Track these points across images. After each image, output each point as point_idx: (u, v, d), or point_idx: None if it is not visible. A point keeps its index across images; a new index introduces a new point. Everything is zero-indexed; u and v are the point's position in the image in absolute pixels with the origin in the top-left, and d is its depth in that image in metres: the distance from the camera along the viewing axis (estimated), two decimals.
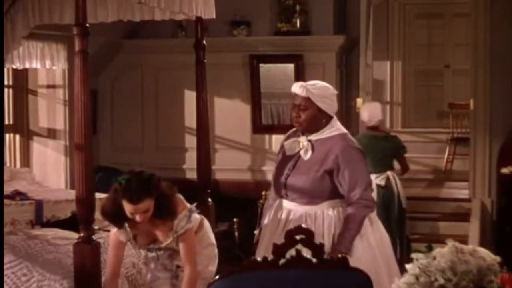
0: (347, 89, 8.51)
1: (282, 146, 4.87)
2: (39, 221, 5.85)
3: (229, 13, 8.15)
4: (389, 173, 7.32)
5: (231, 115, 8.38)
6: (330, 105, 4.69)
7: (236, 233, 7.66)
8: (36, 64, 7.26)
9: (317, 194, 4.64)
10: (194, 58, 6.09)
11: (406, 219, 7.45)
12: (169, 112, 8.56)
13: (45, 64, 7.35)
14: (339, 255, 4.13)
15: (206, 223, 4.95)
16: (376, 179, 7.11)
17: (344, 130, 4.79)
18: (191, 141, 7.88)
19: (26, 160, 7.93)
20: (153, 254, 4.70)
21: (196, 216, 4.73)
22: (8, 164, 7.71)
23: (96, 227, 5.02)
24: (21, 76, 7.83)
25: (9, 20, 5.73)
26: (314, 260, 3.26)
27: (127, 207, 4.35)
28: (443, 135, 10.75)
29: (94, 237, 4.78)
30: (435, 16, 12.08)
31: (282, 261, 3.24)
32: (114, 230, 4.58)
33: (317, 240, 3.45)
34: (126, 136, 8.68)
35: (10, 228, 5.61)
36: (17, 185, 6.59)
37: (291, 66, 8.20)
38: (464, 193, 8.79)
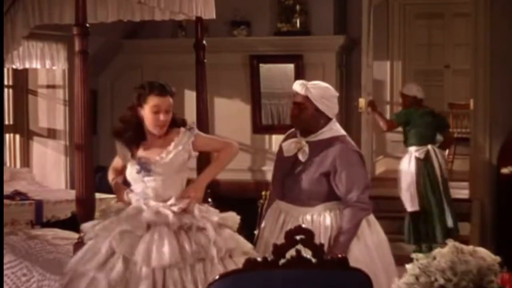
0: (347, 89, 8.50)
1: (280, 147, 4.87)
2: (39, 221, 5.86)
3: (229, 13, 8.15)
4: (429, 147, 7.79)
5: (231, 115, 8.38)
6: (329, 106, 4.69)
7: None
8: (36, 64, 7.27)
9: (314, 196, 4.64)
10: (194, 58, 6.08)
11: (449, 187, 7.98)
12: None
13: (45, 64, 7.35)
14: (339, 255, 4.15)
15: None
16: (416, 152, 7.76)
17: (343, 132, 4.78)
18: None
19: (26, 160, 7.93)
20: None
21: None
22: (8, 164, 7.71)
23: None
24: (21, 76, 7.84)
25: (9, 20, 5.73)
26: (314, 260, 3.26)
27: (155, 102, 4.38)
28: None
29: None
30: (435, 16, 12.09)
31: (282, 261, 3.24)
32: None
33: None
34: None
35: (10, 228, 5.62)
36: (17, 185, 6.60)
37: (291, 66, 8.20)
38: (464, 193, 8.79)
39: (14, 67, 7.11)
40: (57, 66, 7.51)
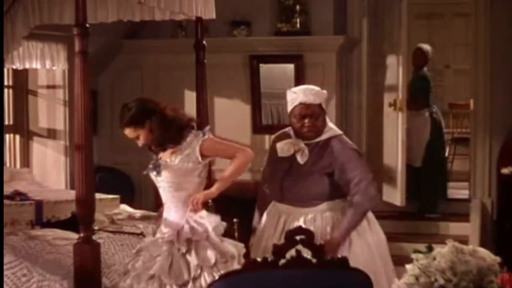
0: (348, 89, 8.50)
1: (272, 148, 4.87)
2: (39, 221, 5.85)
3: (229, 13, 8.14)
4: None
5: (231, 115, 8.37)
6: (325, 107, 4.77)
7: (236, 233, 7.64)
8: (36, 64, 7.26)
9: (316, 196, 4.65)
10: (194, 58, 6.09)
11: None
12: None
13: (45, 64, 7.34)
14: (335, 245, 4.19)
15: None
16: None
17: (339, 131, 4.81)
18: None
19: (26, 161, 7.92)
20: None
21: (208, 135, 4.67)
22: (8, 164, 7.70)
23: (96, 228, 5.02)
24: (21, 76, 7.83)
25: (9, 20, 5.74)
26: (314, 260, 3.26)
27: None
28: None
29: (94, 237, 4.78)
30: (435, 16, 12.10)
31: (282, 261, 3.24)
32: None
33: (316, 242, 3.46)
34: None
35: (10, 229, 5.61)
36: (17, 185, 6.59)
37: (291, 66, 8.19)
38: (464, 193, 8.79)
39: (14, 67, 7.11)
40: (57, 66, 7.51)
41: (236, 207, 6.61)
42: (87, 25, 4.70)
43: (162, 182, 4.61)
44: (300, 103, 4.70)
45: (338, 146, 4.67)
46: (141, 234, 5.69)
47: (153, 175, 4.65)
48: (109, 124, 8.75)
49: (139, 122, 4.60)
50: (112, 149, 8.66)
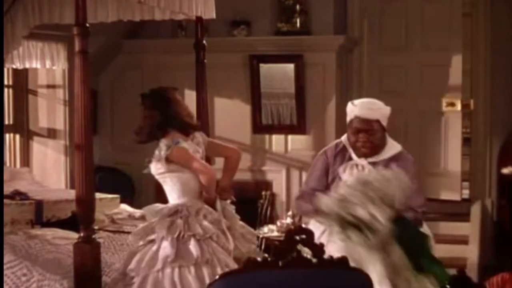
0: (348, 89, 8.50)
1: (325, 162, 4.74)
2: (39, 221, 5.85)
3: (229, 13, 8.14)
4: None
5: (231, 115, 8.37)
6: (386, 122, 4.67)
7: None
8: (36, 64, 7.26)
9: None
10: (194, 58, 6.09)
11: None
12: None
13: (45, 64, 7.35)
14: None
15: None
16: None
17: (399, 146, 4.74)
18: None
19: (26, 160, 7.93)
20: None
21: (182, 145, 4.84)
22: (8, 164, 7.70)
23: (96, 227, 5.02)
24: (21, 76, 7.83)
25: (9, 20, 5.74)
26: (314, 260, 3.26)
27: None
28: None
29: (94, 237, 4.78)
30: None
31: (282, 261, 3.24)
32: None
33: None
34: (127, 136, 8.62)
35: (10, 228, 5.61)
36: (17, 185, 6.59)
37: (291, 66, 8.20)
38: (464, 193, 8.78)
39: (14, 67, 7.11)
40: (57, 66, 7.51)
41: (236, 207, 6.60)
42: (87, 25, 4.70)
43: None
44: (356, 117, 4.62)
45: (410, 161, 4.62)
46: None
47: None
48: (109, 124, 8.76)
49: (146, 104, 5.04)
50: (112, 149, 8.67)
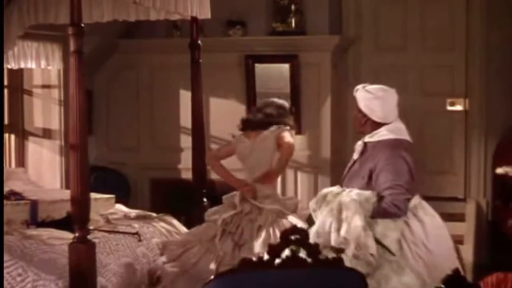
0: (343, 89, 8.49)
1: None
2: (34, 221, 5.84)
3: (224, 13, 8.13)
4: None
5: (226, 115, 8.36)
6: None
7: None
8: (31, 64, 7.26)
9: None
10: (189, 58, 6.10)
11: None
12: (165, 112, 8.55)
13: (40, 64, 7.34)
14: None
15: None
16: None
17: (393, 135, 4.89)
18: (186, 141, 7.87)
19: (21, 160, 7.92)
20: None
21: None
22: (3, 164, 7.69)
23: (91, 227, 5.02)
24: (16, 76, 7.82)
25: (5, 20, 5.73)
26: (309, 260, 3.27)
27: None
28: None
29: (89, 237, 4.78)
30: None
31: (277, 261, 3.25)
32: None
33: None
34: (122, 136, 8.67)
35: (6, 228, 5.60)
36: (12, 185, 6.58)
37: (286, 66, 8.20)
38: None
39: (9, 67, 7.10)
40: (52, 66, 7.50)
41: None
42: (82, 25, 4.70)
43: None
44: None
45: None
46: (136, 234, 5.69)
47: None
48: (105, 124, 8.75)
49: None
50: (108, 149, 8.66)
